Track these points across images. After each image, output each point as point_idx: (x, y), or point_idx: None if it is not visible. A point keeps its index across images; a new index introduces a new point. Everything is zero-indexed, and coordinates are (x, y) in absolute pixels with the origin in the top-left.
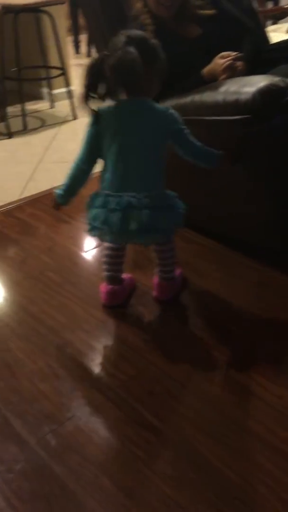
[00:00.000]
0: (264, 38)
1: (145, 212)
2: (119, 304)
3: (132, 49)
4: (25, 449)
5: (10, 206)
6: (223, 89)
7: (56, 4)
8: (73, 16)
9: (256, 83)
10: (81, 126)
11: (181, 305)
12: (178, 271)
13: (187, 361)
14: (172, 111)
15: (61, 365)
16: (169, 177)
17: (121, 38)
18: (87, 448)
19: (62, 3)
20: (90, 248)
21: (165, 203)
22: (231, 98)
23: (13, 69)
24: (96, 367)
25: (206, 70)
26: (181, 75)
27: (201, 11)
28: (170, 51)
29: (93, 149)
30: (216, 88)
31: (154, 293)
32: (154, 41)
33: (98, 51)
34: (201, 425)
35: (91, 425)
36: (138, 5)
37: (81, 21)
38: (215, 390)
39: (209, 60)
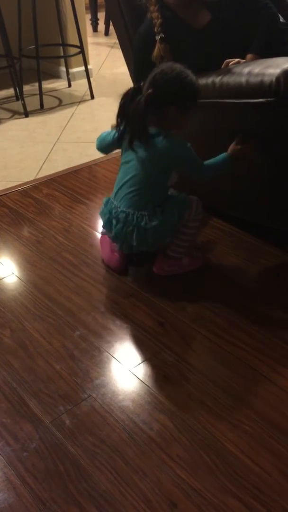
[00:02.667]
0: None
1: (129, 229)
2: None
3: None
4: (40, 428)
5: (26, 186)
6: (246, 70)
7: None
8: None
9: (280, 64)
10: (98, 106)
11: (197, 289)
12: (187, 260)
13: (203, 345)
14: (178, 144)
15: (76, 346)
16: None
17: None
18: (102, 429)
19: None
20: None
21: (150, 225)
22: (254, 80)
23: (31, 47)
24: (111, 349)
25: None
26: (194, 64)
27: None
28: (178, 41)
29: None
30: (238, 69)
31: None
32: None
33: (116, 30)
34: (217, 411)
35: (106, 406)
36: None
37: None
38: (232, 375)
39: (219, 47)
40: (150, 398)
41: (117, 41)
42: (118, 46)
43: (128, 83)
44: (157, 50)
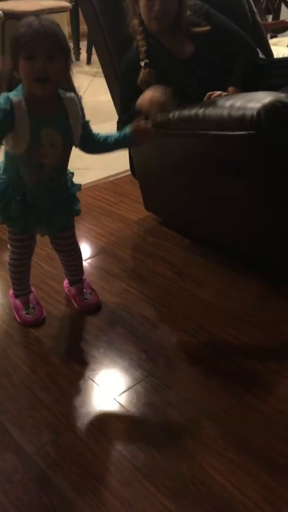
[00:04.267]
0: (266, 48)
1: None
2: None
3: None
4: (23, 459)
5: None
6: (228, 103)
7: (59, 12)
8: (74, 23)
9: (261, 99)
10: None
11: (182, 316)
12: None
13: (187, 373)
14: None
15: (60, 374)
16: (170, 185)
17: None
18: (86, 460)
19: (65, 11)
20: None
21: None
22: (236, 113)
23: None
24: (95, 377)
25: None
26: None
27: (195, 29)
28: (162, 69)
29: None
30: (221, 102)
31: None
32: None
33: (100, 60)
34: (203, 440)
35: (91, 436)
36: (135, 22)
37: (82, 28)
38: (217, 403)
39: (201, 78)
40: (135, 427)
41: (100, 70)
42: (101, 75)
43: (110, 111)
44: (142, 75)
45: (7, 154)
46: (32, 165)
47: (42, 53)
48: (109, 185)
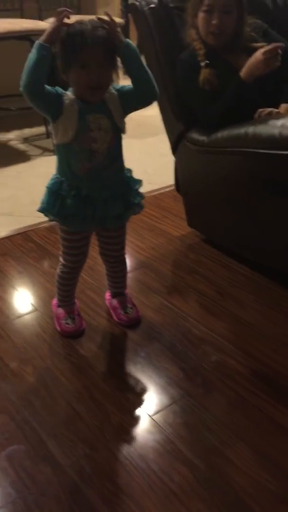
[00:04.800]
0: None
1: None
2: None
3: None
4: (58, 471)
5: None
6: (279, 123)
7: None
8: None
9: None
10: (125, 146)
11: (221, 336)
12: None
13: (225, 394)
14: None
15: (97, 387)
16: (215, 202)
17: None
18: (121, 477)
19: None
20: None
21: None
22: (287, 132)
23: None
24: (131, 393)
25: (244, 71)
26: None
27: (253, 44)
28: (218, 76)
29: None
30: (271, 121)
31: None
32: None
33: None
34: (239, 465)
35: (126, 453)
36: (192, 32)
37: None
38: (254, 428)
39: (253, 92)
40: (170, 447)
41: None
42: None
43: (156, 126)
44: (203, 74)
45: (58, 148)
46: (83, 152)
47: (96, 62)
48: (152, 200)
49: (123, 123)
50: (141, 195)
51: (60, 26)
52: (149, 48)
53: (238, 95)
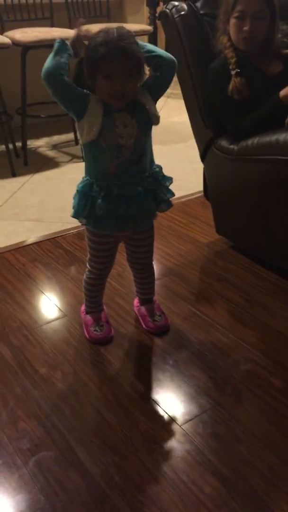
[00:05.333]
0: None
1: None
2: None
3: None
4: (87, 479)
5: (82, 228)
6: None
7: (141, 35)
8: None
9: None
10: (155, 152)
11: (251, 345)
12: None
13: (256, 404)
14: None
15: (126, 395)
16: (244, 209)
17: None
18: (150, 487)
19: (146, 34)
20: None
21: None
22: None
23: None
24: (160, 401)
25: (284, 92)
26: (255, 107)
27: (285, 50)
28: (248, 85)
29: None
30: None
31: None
32: None
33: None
34: (272, 480)
35: (155, 462)
36: (224, 39)
37: None
38: (286, 440)
39: None
40: (200, 458)
41: (174, 91)
42: (175, 96)
43: (184, 132)
44: (233, 83)
45: (85, 148)
46: (110, 149)
47: (120, 73)
48: (180, 206)
49: (156, 112)
50: (171, 192)
51: (79, 36)
52: (179, 55)
53: (272, 114)
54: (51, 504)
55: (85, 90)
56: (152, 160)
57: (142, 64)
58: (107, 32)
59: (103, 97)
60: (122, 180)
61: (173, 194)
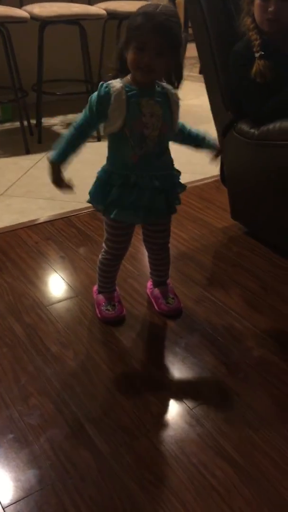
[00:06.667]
0: None
1: None
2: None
3: None
4: (98, 457)
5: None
6: None
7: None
8: None
9: None
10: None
11: (265, 332)
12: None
13: (267, 391)
14: None
15: (137, 376)
16: (262, 195)
17: None
18: (161, 468)
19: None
20: None
21: None
22: None
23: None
24: (172, 384)
25: None
26: (278, 91)
27: None
28: (271, 69)
29: None
30: None
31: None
32: None
33: (201, 60)
34: (283, 466)
35: (166, 444)
36: (248, 21)
37: None
38: None
39: None
40: (211, 442)
41: (191, 74)
42: (192, 79)
43: (201, 115)
44: (257, 66)
45: (109, 137)
46: (135, 137)
47: (151, 48)
48: (195, 190)
49: (177, 125)
50: (179, 200)
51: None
52: (202, 35)
53: None
54: (62, 481)
55: (101, 90)
56: (172, 162)
57: (176, 45)
58: (152, 5)
59: (131, 68)
60: (142, 171)
61: (179, 203)
